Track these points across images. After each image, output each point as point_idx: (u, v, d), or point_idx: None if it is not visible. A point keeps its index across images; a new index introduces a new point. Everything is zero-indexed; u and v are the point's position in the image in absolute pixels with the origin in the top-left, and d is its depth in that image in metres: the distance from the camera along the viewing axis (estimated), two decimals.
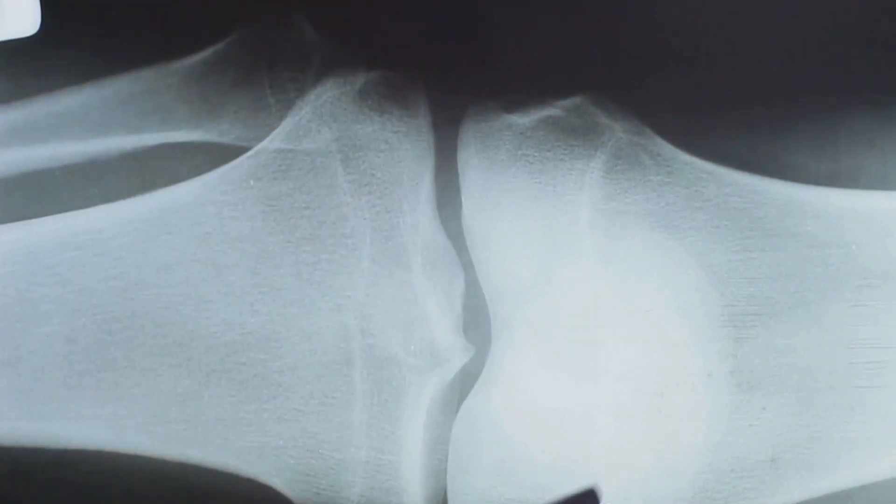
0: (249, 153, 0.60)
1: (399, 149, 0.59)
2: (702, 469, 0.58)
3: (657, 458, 0.58)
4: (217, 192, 0.60)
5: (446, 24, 0.59)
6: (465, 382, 0.60)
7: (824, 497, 0.58)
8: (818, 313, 0.57)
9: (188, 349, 0.60)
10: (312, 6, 0.60)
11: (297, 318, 0.60)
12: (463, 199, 0.60)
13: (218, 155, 0.60)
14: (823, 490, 0.58)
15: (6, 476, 0.61)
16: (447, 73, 0.59)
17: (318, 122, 0.60)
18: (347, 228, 0.60)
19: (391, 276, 0.59)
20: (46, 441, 0.61)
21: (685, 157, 0.58)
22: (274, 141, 0.60)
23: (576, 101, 0.59)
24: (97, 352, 0.60)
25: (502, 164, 0.59)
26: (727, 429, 0.58)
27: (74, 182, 0.61)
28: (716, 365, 0.58)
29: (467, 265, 0.60)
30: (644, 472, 0.59)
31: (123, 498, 0.61)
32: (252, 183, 0.60)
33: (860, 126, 0.57)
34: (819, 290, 0.58)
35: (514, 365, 0.59)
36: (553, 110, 0.59)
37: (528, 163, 0.59)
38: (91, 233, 0.60)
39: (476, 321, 0.60)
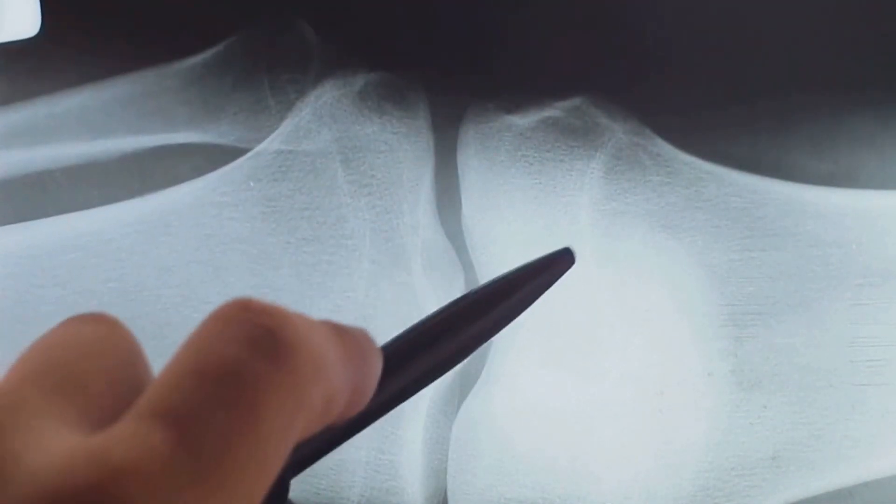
0: (249, 154, 0.60)
1: (399, 150, 0.60)
2: (703, 467, 0.58)
3: (658, 456, 0.58)
4: (217, 193, 0.60)
5: (446, 25, 0.59)
6: (465, 382, 0.60)
7: (826, 494, 0.58)
8: (819, 312, 0.57)
9: None
10: (312, 8, 0.60)
11: None
12: (463, 200, 0.60)
13: (217, 156, 0.60)
14: (825, 488, 0.58)
15: None
16: (447, 75, 0.59)
17: (318, 124, 0.60)
18: (347, 229, 0.60)
19: (391, 276, 0.60)
20: None
21: (685, 157, 0.58)
22: (273, 142, 0.60)
23: (575, 101, 0.59)
24: None
25: (502, 165, 0.59)
26: (728, 427, 0.58)
27: (74, 184, 0.61)
28: (716, 364, 0.58)
29: (467, 265, 0.60)
30: (645, 470, 0.59)
31: None
32: (252, 184, 0.60)
33: (860, 126, 0.57)
34: (819, 289, 0.58)
35: (514, 365, 0.59)
36: (553, 111, 0.59)
37: (527, 163, 0.59)
38: (91, 234, 0.60)
39: None
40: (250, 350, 0.21)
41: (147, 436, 0.19)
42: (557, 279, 0.35)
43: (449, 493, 0.60)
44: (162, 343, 0.60)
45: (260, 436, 0.20)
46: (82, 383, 0.21)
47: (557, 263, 0.35)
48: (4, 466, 0.19)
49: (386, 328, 0.60)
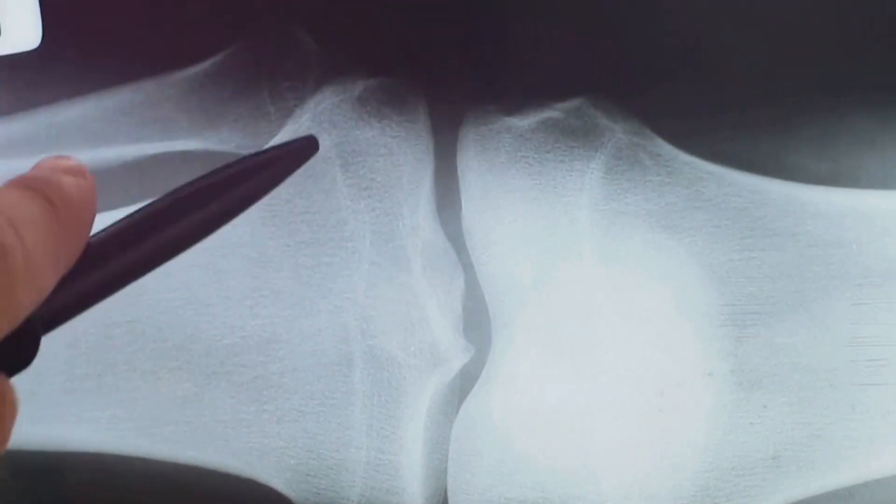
0: None
1: (398, 153, 0.60)
2: (703, 467, 0.58)
3: (658, 456, 0.58)
4: None
5: (444, 28, 0.59)
6: (465, 382, 0.60)
7: (826, 494, 0.58)
8: (819, 312, 0.57)
9: (188, 352, 0.60)
10: (310, 16, 0.60)
11: (296, 320, 0.60)
12: (462, 201, 0.60)
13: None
14: (825, 487, 0.58)
15: (7, 478, 0.62)
16: (446, 78, 0.59)
17: (318, 130, 0.60)
18: (347, 232, 0.60)
19: (391, 277, 0.60)
20: (47, 444, 0.62)
21: (685, 157, 0.58)
22: None
23: (575, 103, 0.59)
24: (98, 356, 0.61)
25: (502, 167, 0.59)
26: (728, 427, 0.58)
27: None
28: (716, 364, 0.58)
29: (467, 266, 0.60)
30: (645, 470, 0.59)
31: (124, 500, 0.62)
32: None
33: (860, 126, 0.57)
34: (820, 289, 0.57)
35: (514, 365, 0.60)
36: (552, 112, 0.59)
37: (527, 164, 0.59)
38: None
39: (476, 321, 0.60)
40: None
41: None
42: (299, 167, 0.34)
43: (449, 493, 0.60)
44: (163, 346, 0.60)
45: None
46: None
47: (300, 151, 0.34)
48: None
49: (386, 329, 0.60)
